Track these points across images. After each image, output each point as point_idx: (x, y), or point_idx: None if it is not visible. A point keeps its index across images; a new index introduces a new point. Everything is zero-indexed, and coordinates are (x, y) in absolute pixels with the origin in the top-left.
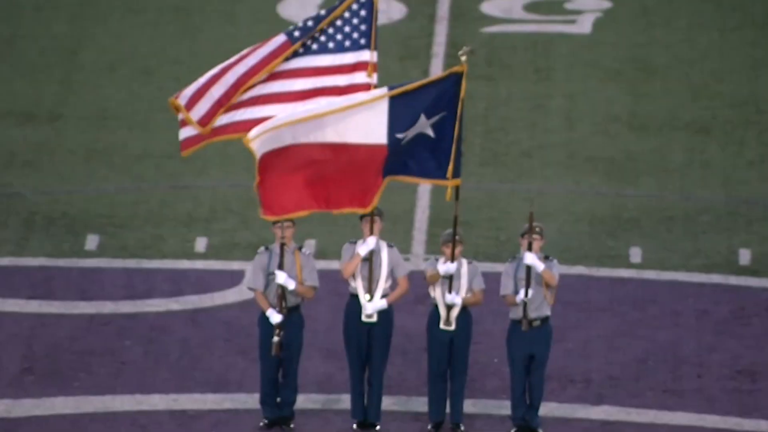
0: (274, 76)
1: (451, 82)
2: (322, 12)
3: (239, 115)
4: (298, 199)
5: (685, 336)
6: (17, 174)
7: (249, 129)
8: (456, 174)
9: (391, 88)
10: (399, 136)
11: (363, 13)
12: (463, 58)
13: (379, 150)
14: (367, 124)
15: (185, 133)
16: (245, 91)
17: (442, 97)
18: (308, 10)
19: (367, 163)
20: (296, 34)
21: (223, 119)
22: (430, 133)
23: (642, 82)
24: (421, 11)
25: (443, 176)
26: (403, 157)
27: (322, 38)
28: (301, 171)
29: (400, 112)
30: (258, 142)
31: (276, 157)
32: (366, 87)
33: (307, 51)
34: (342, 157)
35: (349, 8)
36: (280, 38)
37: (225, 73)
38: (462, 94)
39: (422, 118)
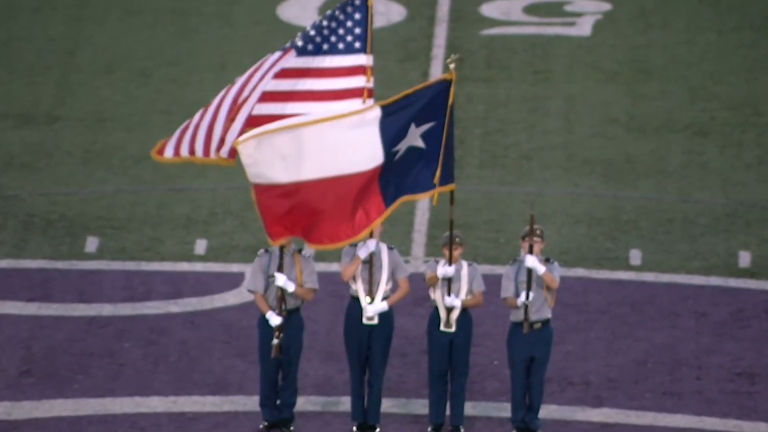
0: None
1: (440, 90)
2: (324, 22)
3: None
4: (298, 225)
5: (684, 338)
6: (15, 176)
7: (248, 127)
8: (450, 179)
9: (382, 108)
10: (392, 150)
11: (357, 16)
12: (452, 66)
13: (375, 171)
14: (362, 151)
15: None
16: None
17: (432, 106)
18: (308, 12)
19: (363, 187)
20: (300, 43)
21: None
22: (421, 144)
23: (640, 83)
24: (420, 13)
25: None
26: (397, 177)
27: (317, 39)
28: (298, 205)
29: (391, 127)
30: (248, 152)
31: (270, 189)
32: (362, 91)
33: (303, 51)
34: (338, 190)
35: (343, 10)
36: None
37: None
38: (451, 101)
39: (412, 127)
